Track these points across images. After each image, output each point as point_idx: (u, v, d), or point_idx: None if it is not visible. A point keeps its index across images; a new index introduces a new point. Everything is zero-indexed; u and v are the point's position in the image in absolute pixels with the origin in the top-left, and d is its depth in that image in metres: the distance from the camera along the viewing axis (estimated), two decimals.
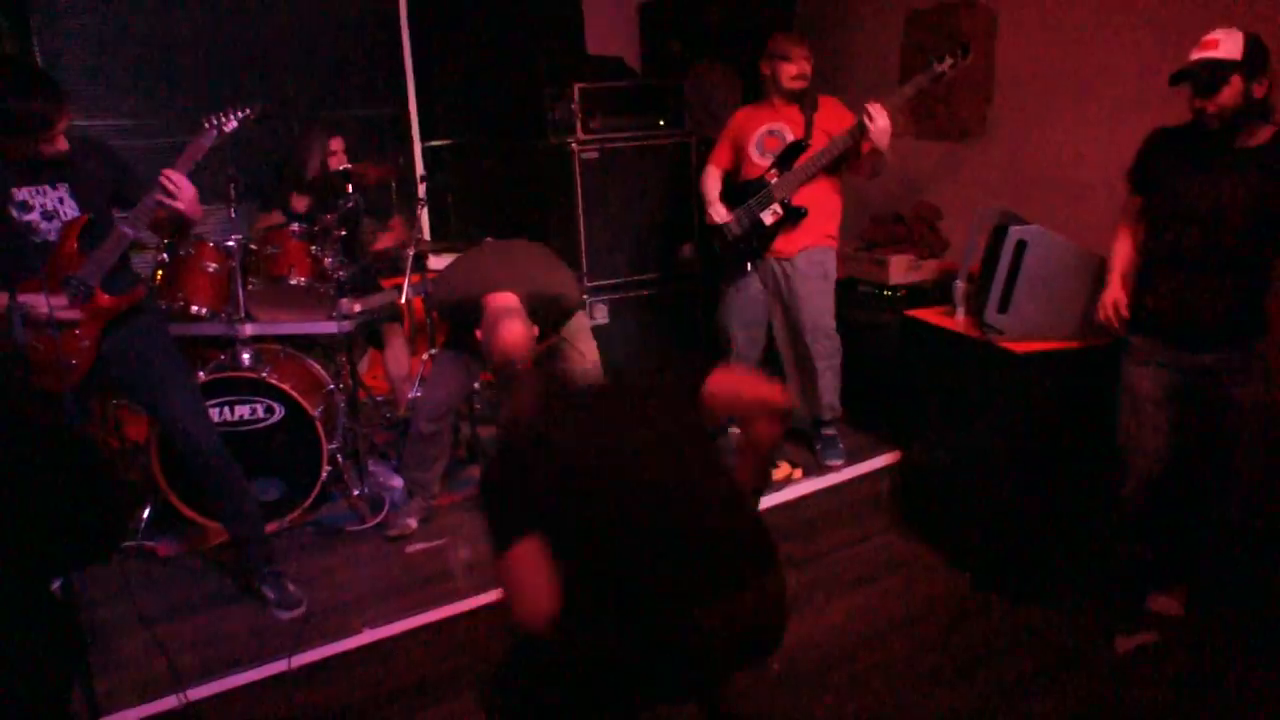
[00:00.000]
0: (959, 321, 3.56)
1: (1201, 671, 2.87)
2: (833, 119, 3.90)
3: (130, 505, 2.97)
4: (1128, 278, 2.99)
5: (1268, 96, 2.63)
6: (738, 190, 4.00)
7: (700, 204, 4.17)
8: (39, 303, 2.59)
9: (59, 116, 2.62)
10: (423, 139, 5.27)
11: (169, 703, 2.58)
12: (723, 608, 1.88)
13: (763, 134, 3.97)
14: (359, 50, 5.06)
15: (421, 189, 4.41)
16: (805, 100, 3.95)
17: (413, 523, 3.61)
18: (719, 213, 4.00)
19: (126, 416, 3.83)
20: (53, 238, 2.75)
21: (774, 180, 3.87)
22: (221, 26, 4.65)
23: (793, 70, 3.87)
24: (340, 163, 4.25)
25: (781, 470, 3.85)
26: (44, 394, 2.74)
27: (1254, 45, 2.58)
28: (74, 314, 2.76)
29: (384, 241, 4.45)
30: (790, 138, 3.91)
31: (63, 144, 2.67)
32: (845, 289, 4.55)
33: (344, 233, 3.94)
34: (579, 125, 4.56)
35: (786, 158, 3.87)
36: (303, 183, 4.22)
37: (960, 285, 3.58)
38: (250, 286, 3.71)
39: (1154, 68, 3.48)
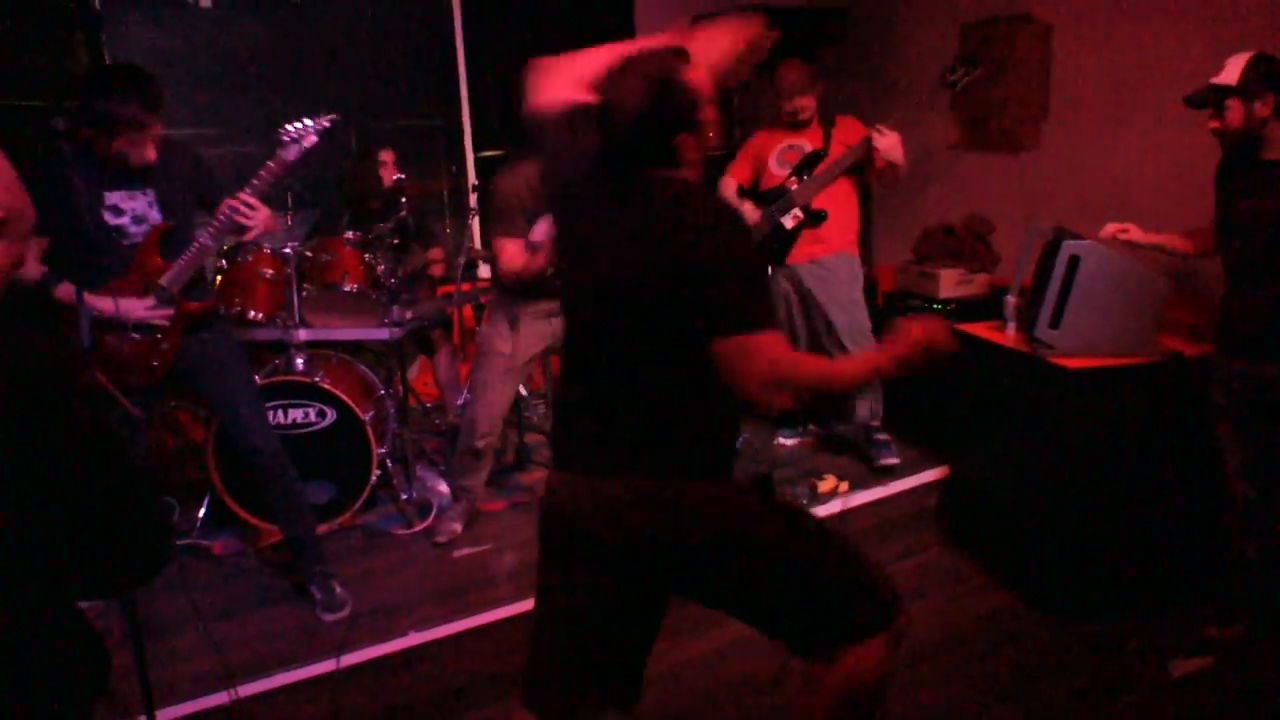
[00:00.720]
0: (1010, 336, 3.51)
1: (1258, 699, 2.79)
2: (850, 133, 4.01)
3: (170, 528, 3.02)
4: (1160, 239, 3.11)
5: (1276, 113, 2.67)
6: (757, 199, 4.08)
7: None
8: (106, 305, 2.72)
9: (151, 121, 2.72)
10: (475, 150, 5.34)
11: (220, 698, 2.64)
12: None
13: (782, 149, 4.07)
14: (413, 61, 5.16)
15: (473, 199, 4.47)
16: (821, 120, 4.08)
17: (458, 527, 3.65)
18: (748, 211, 4.04)
19: (184, 417, 3.93)
20: (139, 240, 2.87)
21: (794, 186, 3.95)
22: (282, 38, 4.77)
23: (787, 107, 4.01)
24: (392, 173, 4.34)
25: (828, 483, 3.84)
26: (94, 398, 2.82)
27: (1256, 67, 2.64)
28: (163, 318, 2.89)
29: (424, 263, 4.54)
30: (809, 149, 4.01)
31: (151, 154, 2.77)
32: (895, 301, 4.53)
33: (396, 241, 4.02)
34: None
35: (805, 166, 3.98)
36: (370, 199, 4.31)
37: (1011, 300, 3.54)
38: (305, 292, 3.80)
39: (1203, 83, 3.43)
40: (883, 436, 4.13)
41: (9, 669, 1.20)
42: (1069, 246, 3.17)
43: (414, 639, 2.94)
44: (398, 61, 5.12)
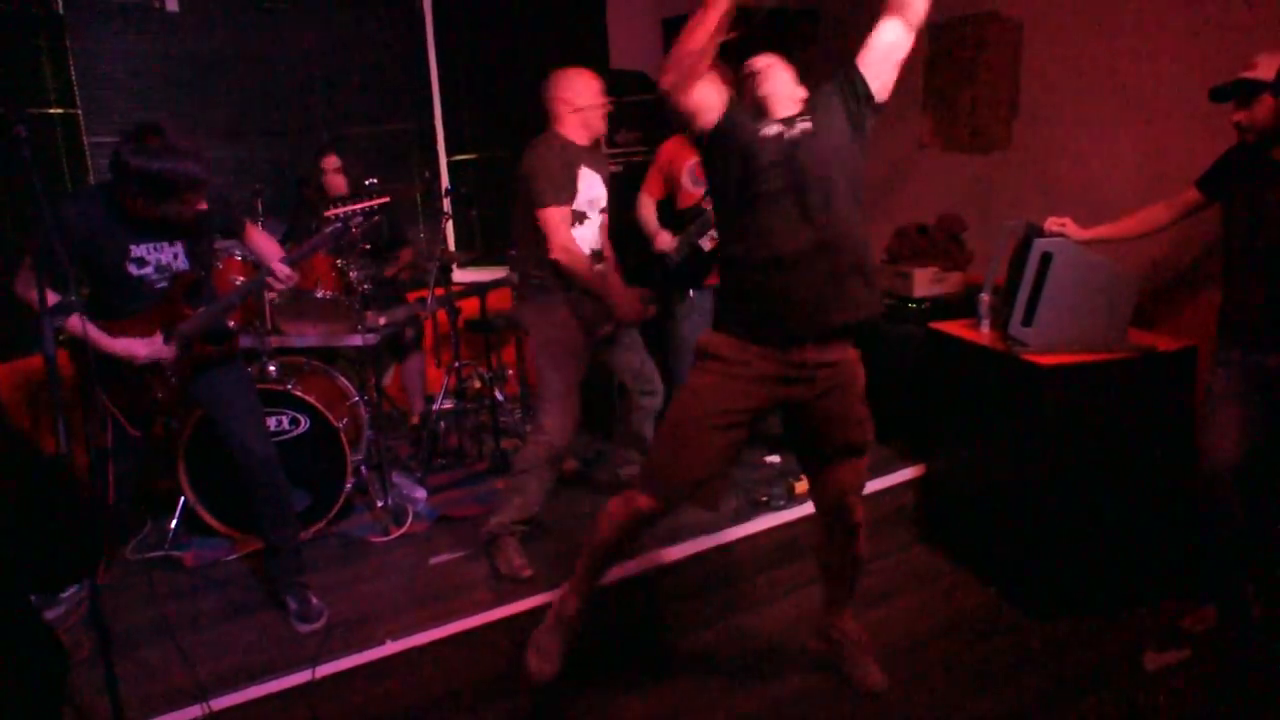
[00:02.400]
0: (983, 334, 3.54)
1: (1232, 690, 2.82)
2: None
3: (102, 527, 3.01)
4: (1098, 232, 3.22)
5: None
6: (675, 219, 4.06)
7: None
8: (119, 346, 2.86)
9: (209, 177, 2.75)
10: (448, 154, 5.32)
11: (193, 712, 2.60)
12: None
13: (694, 164, 4.01)
14: (385, 65, 5.12)
15: (447, 203, 4.45)
16: None
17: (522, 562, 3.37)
18: (664, 240, 4.04)
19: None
20: (163, 287, 2.92)
21: (709, 207, 3.88)
22: (252, 43, 4.72)
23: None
24: (338, 181, 4.32)
25: (804, 484, 3.83)
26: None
27: None
28: (170, 357, 2.95)
29: (391, 270, 4.51)
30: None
31: (203, 206, 2.82)
32: None
33: (368, 246, 3.99)
34: (603, 140, 4.58)
35: None
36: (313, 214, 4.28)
37: (985, 298, 3.56)
38: (276, 300, 3.76)
39: (1181, 81, 3.48)
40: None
41: None
42: (1040, 244, 3.19)
43: (391, 648, 2.91)
44: (369, 65, 5.09)
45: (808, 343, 2.48)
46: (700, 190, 3.98)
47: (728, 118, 2.54)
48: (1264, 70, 2.71)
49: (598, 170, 3.39)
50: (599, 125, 3.39)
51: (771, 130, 2.52)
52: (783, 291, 2.45)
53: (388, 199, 3.30)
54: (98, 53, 4.31)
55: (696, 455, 2.55)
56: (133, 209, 2.75)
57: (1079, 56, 3.92)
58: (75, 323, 2.72)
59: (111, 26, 4.34)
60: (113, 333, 2.87)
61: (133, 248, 2.83)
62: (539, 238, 3.28)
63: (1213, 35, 3.37)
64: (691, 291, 4.02)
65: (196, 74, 4.60)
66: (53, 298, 2.64)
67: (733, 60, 3.88)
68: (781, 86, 2.65)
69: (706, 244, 3.94)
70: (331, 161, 4.40)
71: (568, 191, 3.26)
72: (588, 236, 3.37)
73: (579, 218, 3.33)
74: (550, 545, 3.49)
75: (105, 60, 4.34)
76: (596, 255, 3.44)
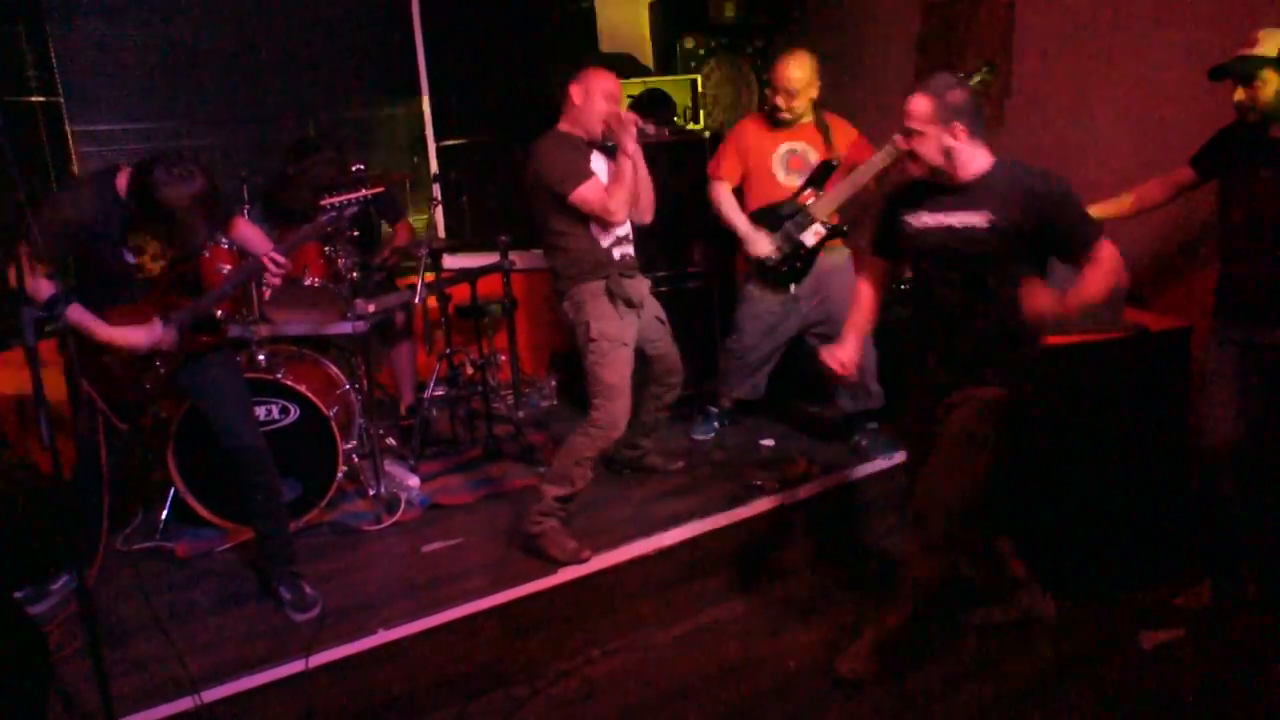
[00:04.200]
0: None
1: (1228, 668, 2.82)
2: (844, 135, 3.95)
3: (84, 522, 3.02)
4: (1102, 208, 3.18)
5: None
6: (766, 214, 3.93)
7: (705, 208, 4.12)
8: (115, 335, 2.84)
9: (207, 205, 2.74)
10: (437, 139, 5.27)
11: (185, 704, 2.58)
12: None
13: (784, 154, 3.94)
14: (373, 51, 5.07)
15: (436, 189, 4.41)
16: (817, 118, 3.96)
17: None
18: (763, 245, 3.88)
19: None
20: (155, 274, 2.91)
21: (810, 201, 3.83)
22: (235, 29, 4.66)
23: (786, 105, 3.89)
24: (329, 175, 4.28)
25: (798, 467, 3.83)
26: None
27: None
28: (171, 341, 2.94)
29: (387, 250, 4.47)
30: (815, 158, 3.90)
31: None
32: None
33: (357, 233, 3.95)
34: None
35: (819, 178, 3.85)
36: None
37: None
38: (265, 288, 3.73)
39: (1175, 60, 3.46)
40: (874, 425, 4.10)
41: None
42: None
43: (384, 636, 2.89)
44: (356, 50, 5.04)
45: None
46: (796, 183, 3.88)
47: None
48: (1265, 47, 2.68)
49: (611, 158, 3.38)
50: (597, 128, 3.34)
51: None
52: None
53: (381, 189, 3.29)
54: (79, 39, 4.25)
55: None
56: (136, 218, 2.77)
57: (1072, 36, 3.89)
58: (74, 313, 2.73)
59: (94, 12, 4.28)
60: (109, 322, 2.85)
61: (130, 235, 2.83)
62: (562, 239, 3.34)
63: (1211, 13, 3.35)
64: (793, 287, 3.93)
65: (179, 60, 4.54)
66: (49, 289, 2.64)
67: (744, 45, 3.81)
68: None
69: (810, 239, 3.82)
70: (308, 160, 4.35)
71: (587, 171, 3.27)
72: (616, 229, 3.39)
73: None
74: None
75: (87, 47, 4.29)
76: (623, 240, 3.43)
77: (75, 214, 2.73)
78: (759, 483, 3.75)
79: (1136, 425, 3.21)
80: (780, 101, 3.89)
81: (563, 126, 3.40)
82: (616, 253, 3.40)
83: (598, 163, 3.36)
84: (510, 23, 5.24)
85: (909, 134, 2.63)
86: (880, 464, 3.93)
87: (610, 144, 3.37)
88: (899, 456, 3.96)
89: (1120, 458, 3.20)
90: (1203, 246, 3.43)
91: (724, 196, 4.01)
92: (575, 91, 3.36)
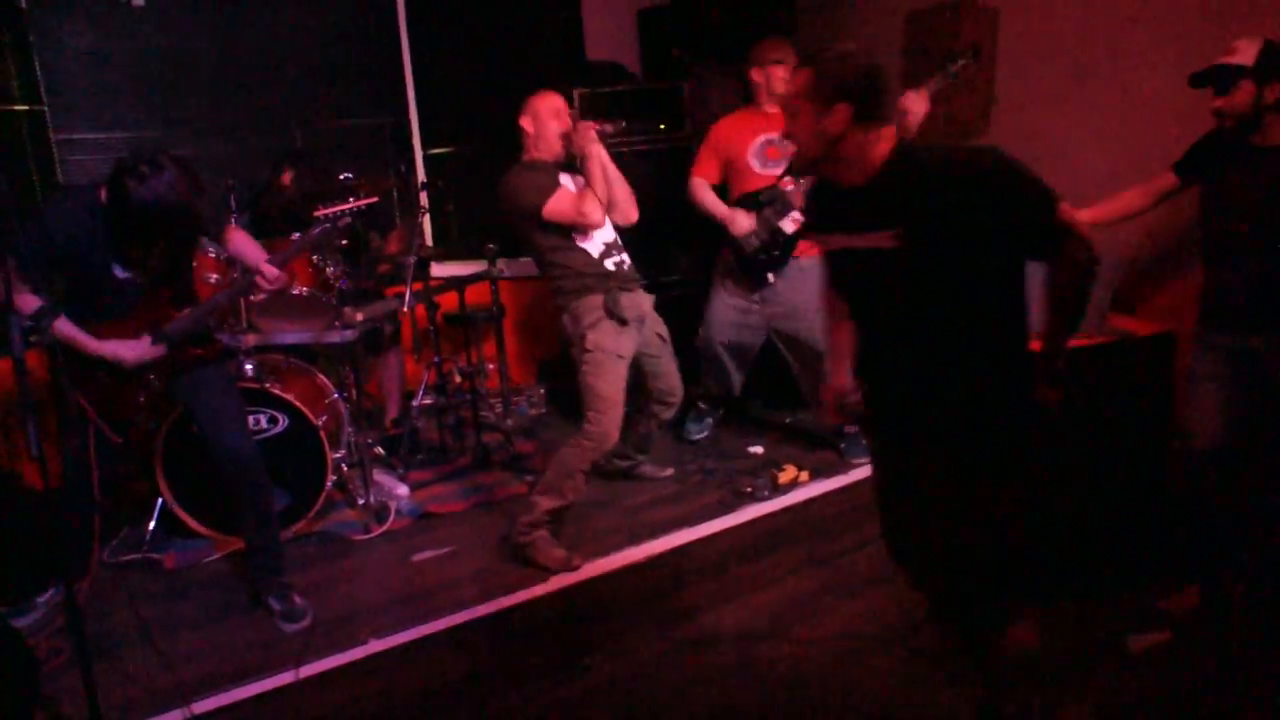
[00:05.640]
0: None
1: (1215, 671, 2.84)
2: None
3: (84, 536, 3.00)
4: (1085, 215, 3.05)
5: None
6: (744, 201, 3.95)
7: (690, 213, 4.12)
8: (105, 349, 2.84)
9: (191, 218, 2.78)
10: (424, 147, 5.27)
11: (175, 716, 2.57)
12: None
13: (760, 145, 3.95)
14: (359, 59, 5.06)
15: (423, 197, 4.41)
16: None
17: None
18: (743, 222, 3.89)
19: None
20: (146, 288, 2.90)
21: (790, 187, 3.83)
22: (222, 37, 4.65)
23: (783, 74, 3.88)
24: (292, 198, 4.29)
25: (788, 473, 3.84)
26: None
27: (1270, 52, 2.68)
28: (158, 357, 2.93)
29: (386, 253, 4.47)
30: (790, 146, 3.90)
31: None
32: None
33: (345, 243, 3.94)
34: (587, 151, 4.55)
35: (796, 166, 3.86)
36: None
37: None
38: (253, 297, 3.71)
39: (1157, 68, 3.50)
40: (853, 429, 4.11)
41: None
42: None
43: (374, 646, 2.89)
44: (342, 59, 5.03)
45: None
46: (774, 172, 3.88)
47: None
48: (1243, 56, 2.70)
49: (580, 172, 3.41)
50: (556, 147, 3.41)
51: None
52: None
53: (376, 199, 3.29)
54: (63, 48, 4.23)
55: None
56: (119, 229, 2.75)
57: (1055, 44, 3.93)
58: (62, 326, 2.72)
59: (77, 21, 4.26)
60: (99, 336, 2.84)
61: (115, 267, 2.82)
62: (553, 254, 3.38)
63: (1191, 20, 3.38)
64: (771, 276, 3.94)
65: (164, 69, 4.52)
66: (33, 302, 2.62)
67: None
68: None
69: (789, 226, 3.84)
70: (288, 175, 4.35)
71: (552, 185, 3.30)
72: (601, 237, 3.42)
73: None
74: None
75: (71, 56, 4.27)
76: (612, 247, 3.45)
77: (60, 230, 2.71)
78: (749, 489, 3.76)
79: (1121, 429, 3.23)
80: (785, 74, 3.86)
81: (526, 157, 3.46)
82: (609, 263, 3.41)
83: (569, 182, 3.41)
84: (498, 30, 5.24)
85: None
86: (866, 469, 3.93)
87: (576, 159, 3.41)
88: None
89: (1105, 462, 3.23)
90: (1186, 252, 3.46)
91: (701, 188, 4.05)
92: (525, 123, 3.44)
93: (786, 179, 3.84)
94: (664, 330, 3.62)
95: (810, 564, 3.65)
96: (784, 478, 3.80)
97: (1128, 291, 3.64)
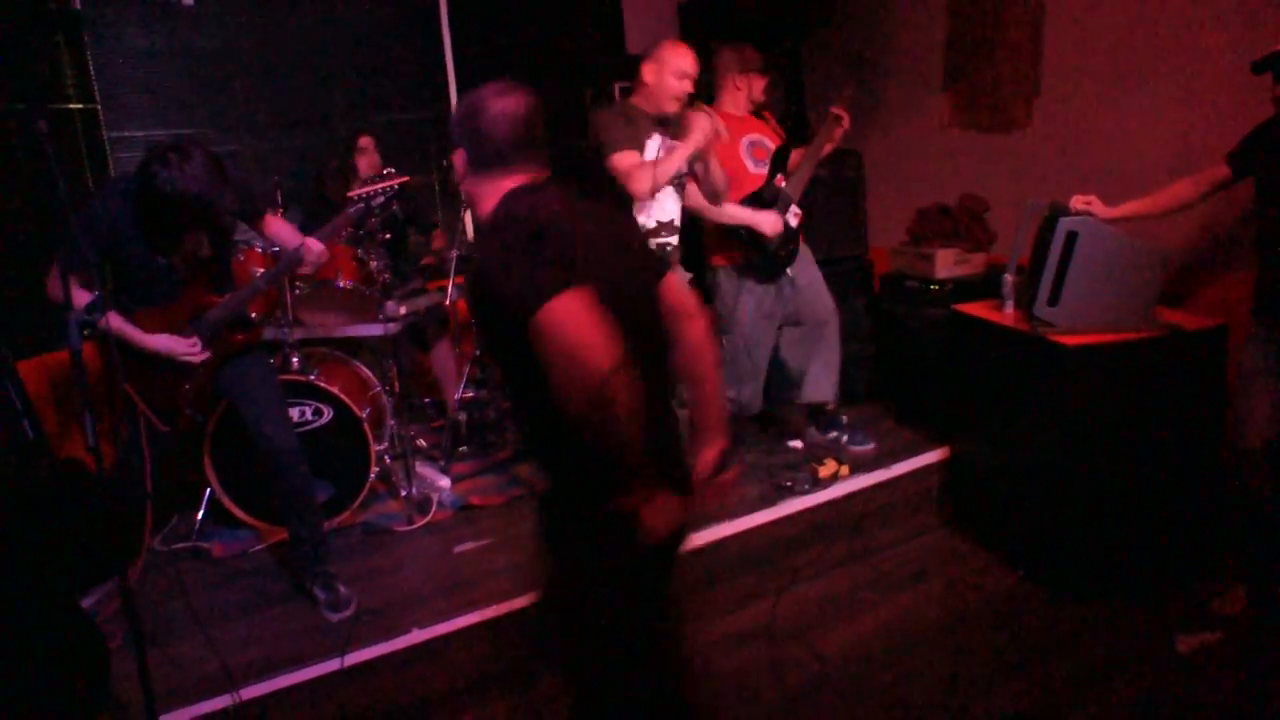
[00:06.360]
0: (1008, 315, 3.50)
1: (1266, 674, 2.78)
2: (769, 121, 4.07)
3: (135, 522, 3.05)
4: (1122, 211, 3.16)
5: None
6: (752, 202, 3.88)
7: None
8: (152, 342, 2.90)
9: (218, 208, 2.80)
10: None
11: (223, 701, 2.62)
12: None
13: (748, 145, 3.94)
14: (401, 55, 5.11)
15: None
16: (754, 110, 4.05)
17: None
18: (772, 221, 3.80)
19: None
20: (187, 275, 2.96)
21: (783, 185, 3.83)
22: (268, 35, 4.72)
23: (764, 84, 3.97)
24: (372, 160, 4.33)
25: (828, 468, 3.82)
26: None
27: None
28: (204, 355, 2.99)
29: (428, 258, 4.52)
30: (771, 145, 3.95)
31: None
32: (891, 284, 4.51)
33: (389, 236, 3.99)
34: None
35: (780, 161, 3.88)
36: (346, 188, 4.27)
37: (1009, 278, 3.52)
38: (298, 290, 3.77)
39: (1206, 60, 3.42)
40: (846, 418, 4.15)
41: (16, 660, 1.26)
42: (1065, 223, 3.15)
43: (416, 636, 2.92)
44: (385, 55, 5.08)
45: None
46: (764, 171, 3.87)
47: None
48: None
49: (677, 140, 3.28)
50: (665, 106, 3.32)
51: None
52: None
53: (407, 178, 3.32)
54: (116, 48, 4.32)
55: None
56: (144, 213, 2.81)
57: (1102, 33, 3.86)
58: (112, 320, 2.78)
59: (129, 22, 4.35)
60: (145, 326, 2.90)
61: (159, 237, 2.87)
62: None
63: (1246, 9, 3.31)
64: (790, 270, 3.94)
65: (213, 67, 4.60)
66: (85, 296, 2.68)
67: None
68: None
69: (793, 220, 3.85)
70: (369, 140, 4.42)
71: (633, 142, 3.25)
72: (664, 207, 3.37)
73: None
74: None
75: (123, 56, 4.36)
76: (665, 227, 3.40)
77: (103, 219, 2.78)
78: (789, 483, 3.74)
79: (1172, 426, 3.17)
80: (763, 83, 3.96)
81: (633, 99, 3.41)
82: (654, 241, 3.37)
83: (654, 142, 3.34)
84: (538, 24, 5.26)
85: None
86: (911, 464, 3.91)
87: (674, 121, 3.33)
88: (928, 456, 3.96)
89: (1154, 457, 3.17)
90: (1237, 244, 3.39)
91: (692, 191, 3.68)
92: (647, 70, 3.33)
93: (779, 176, 3.84)
94: None
95: (850, 559, 3.64)
96: (824, 472, 3.78)
97: (1180, 284, 3.57)
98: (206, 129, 4.58)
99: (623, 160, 3.21)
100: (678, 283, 1.98)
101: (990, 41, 4.36)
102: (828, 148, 3.89)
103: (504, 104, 1.83)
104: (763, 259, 3.89)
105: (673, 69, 3.27)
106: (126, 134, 4.35)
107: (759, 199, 3.86)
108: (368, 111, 5.01)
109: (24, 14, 3.89)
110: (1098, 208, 3.17)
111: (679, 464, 1.92)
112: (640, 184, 3.18)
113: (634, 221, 1.94)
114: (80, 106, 4.14)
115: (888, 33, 4.95)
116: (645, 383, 1.62)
